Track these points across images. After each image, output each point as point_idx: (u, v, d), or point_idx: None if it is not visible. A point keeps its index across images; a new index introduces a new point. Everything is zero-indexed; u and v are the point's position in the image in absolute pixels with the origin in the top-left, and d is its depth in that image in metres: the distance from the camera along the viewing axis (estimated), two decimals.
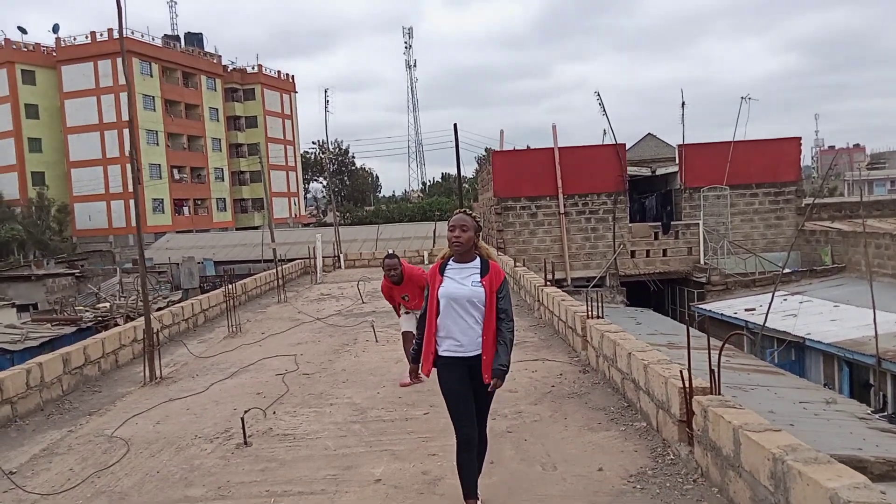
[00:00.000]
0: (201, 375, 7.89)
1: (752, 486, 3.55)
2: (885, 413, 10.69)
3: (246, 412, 5.70)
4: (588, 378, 6.76)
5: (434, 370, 3.85)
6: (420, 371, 4.00)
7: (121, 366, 8.72)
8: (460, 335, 3.79)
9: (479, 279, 3.81)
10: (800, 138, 22.51)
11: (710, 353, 4.47)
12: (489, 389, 3.77)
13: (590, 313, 7.43)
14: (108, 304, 21.56)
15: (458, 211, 4.04)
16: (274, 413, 6.13)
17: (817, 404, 10.18)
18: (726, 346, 15.60)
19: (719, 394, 4.35)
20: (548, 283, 10.47)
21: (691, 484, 4.12)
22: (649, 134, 45.40)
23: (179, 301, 19.68)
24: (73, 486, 4.70)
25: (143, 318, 9.92)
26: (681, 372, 4.54)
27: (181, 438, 5.60)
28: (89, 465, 5.12)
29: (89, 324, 19.26)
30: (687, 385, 4.42)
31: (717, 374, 4.40)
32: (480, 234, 3.96)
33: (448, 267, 3.90)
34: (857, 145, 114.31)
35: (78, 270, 28.80)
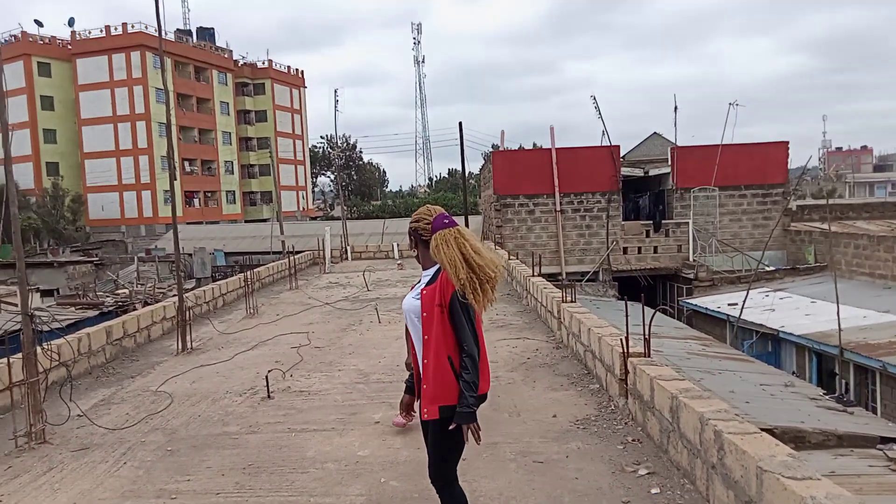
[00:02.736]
0: (226, 347, 9.05)
1: (660, 420, 4.67)
2: (836, 395, 11.74)
3: (269, 372, 6.86)
4: (559, 353, 7.87)
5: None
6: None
7: (153, 340, 9.87)
8: (419, 358, 3.26)
9: (420, 289, 3.25)
10: (787, 143, 23.48)
11: (643, 326, 5.57)
12: (443, 428, 3.11)
13: (564, 298, 8.55)
14: (126, 291, 22.77)
15: None
16: (291, 376, 7.27)
17: (776, 387, 11.25)
18: (705, 337, 16.48)
19: (649, 356, 5.46)
20: (534, 274, 11.56)
21: (622, 425, 5.24)
22: (655, 133, 46.29)
23: (193, 289, 20.89)
24: (132, 424, 5.86)
25: (166, 301, 11.13)
26: (621, 340, 5.64)
27: (215, 393, 6.76)
28: (142, 410, 6.28)
29: (110, 308, 20.45)
30: (624, 350, 5.52)
31: (648, 343, 5.51)
32: (430, 232, 3.23)
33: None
34: (864, 147, 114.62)
35: (97, 258, 30.07)
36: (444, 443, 3.14)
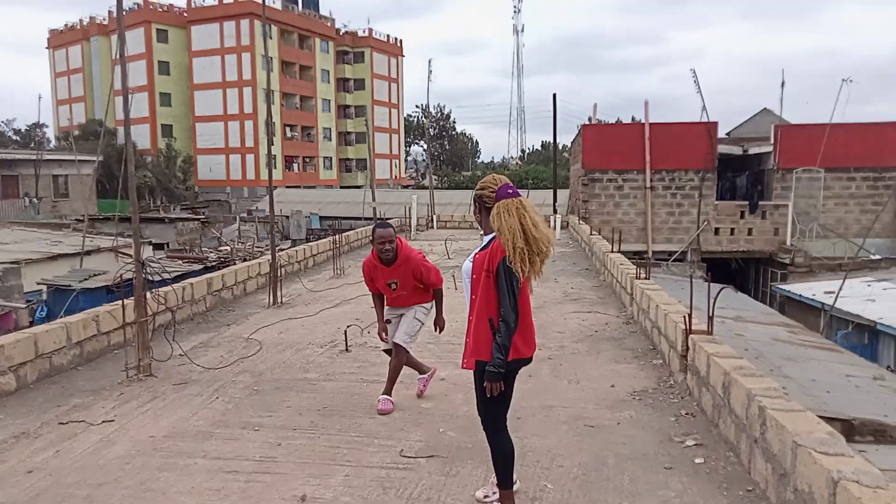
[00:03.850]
0: (312, 304, 9.68)
1: (713, 395, 4.77)
2: None
3: (348, 328, 7.36)
4: (628, 328, 7.96)
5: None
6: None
7: (248, 293, 10.67)
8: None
9: (475, 253, 3.48)
10: None
11: (709, 305, 5.61)
12: (483, 385, 3.37)
13: (638, 274, 8.58)
14: (228, 248, 24.29)
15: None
16: (368, 332, 7.75)
17: (863, 379, 10.79)
18: (794, 324, 15.93)
19: (711, 334, 5.51)
20: (613, 250, 11.54)
21: (678, 399, 5.36)
22: (765, 109, 43.87)
23: (287, 249, 22.09)
24: (225, 365, 6.51)
25: (262, 259, 11.92)
26: (684, 317, 5.71)
27: (299, 343, 7.34)
28: (234, 354, 6.93)
29: (213, 263, 21.95)
30: (686, 327, 5.59)
31: (711, 321, 5.55)
32: (494, 199, 3.40)
33: None
34: None
35: (203, 216, 32.13)
36: (487, 395, 3.41)
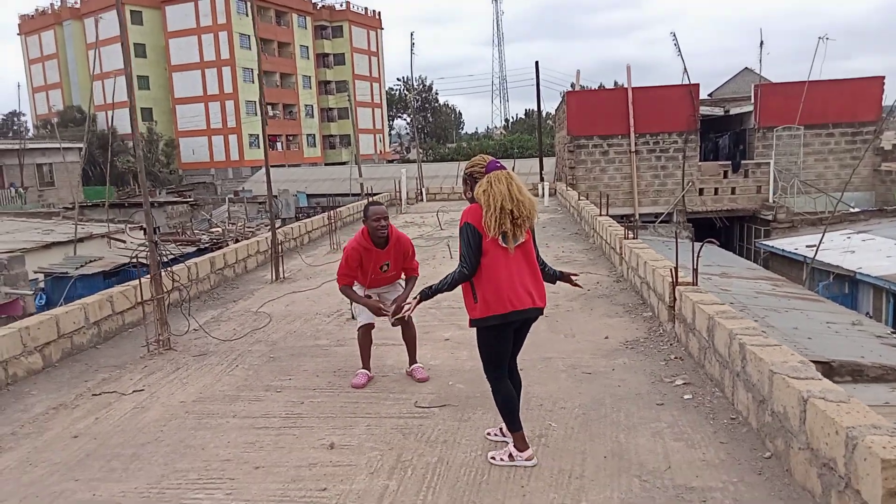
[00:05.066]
0: (313, 277, 10.02)
1: (699, 339, 5.19)
2: None
3: None
4: (619, 285, 8.38)
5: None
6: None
7: (249, 271, 10.98)
8: None
9: None
10: (882, 78, 22.28)
11: (693, 259, 6.00)
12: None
13: (626, 235, 8.98)
14: (220, 229, 24.48)
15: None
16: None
17: (842, 325, 11.34)
18: (777, 277, 16.44)
19: (696, 285, 5.91)
20: (602, 214, 11.93)
21: (667, 346, 5.78)
22: (746, 68, 44.17)
23: (280, 227, 22.27)
24: (239, 336, 6.85)
25: (258, 237, 12.20)
26: (671, 270, 6.11)
27: (306, 314, 7.70)
28: (246, 326, 7.28)
29: (206, 245, 22.17)
30: (673, 279, 5.99)
31: (696, 273, 5.95)
32: (475, 180, 3.85)
33: None
34: None
35: (192, 199, 32.20)
36: (481, 347, 3.91)
